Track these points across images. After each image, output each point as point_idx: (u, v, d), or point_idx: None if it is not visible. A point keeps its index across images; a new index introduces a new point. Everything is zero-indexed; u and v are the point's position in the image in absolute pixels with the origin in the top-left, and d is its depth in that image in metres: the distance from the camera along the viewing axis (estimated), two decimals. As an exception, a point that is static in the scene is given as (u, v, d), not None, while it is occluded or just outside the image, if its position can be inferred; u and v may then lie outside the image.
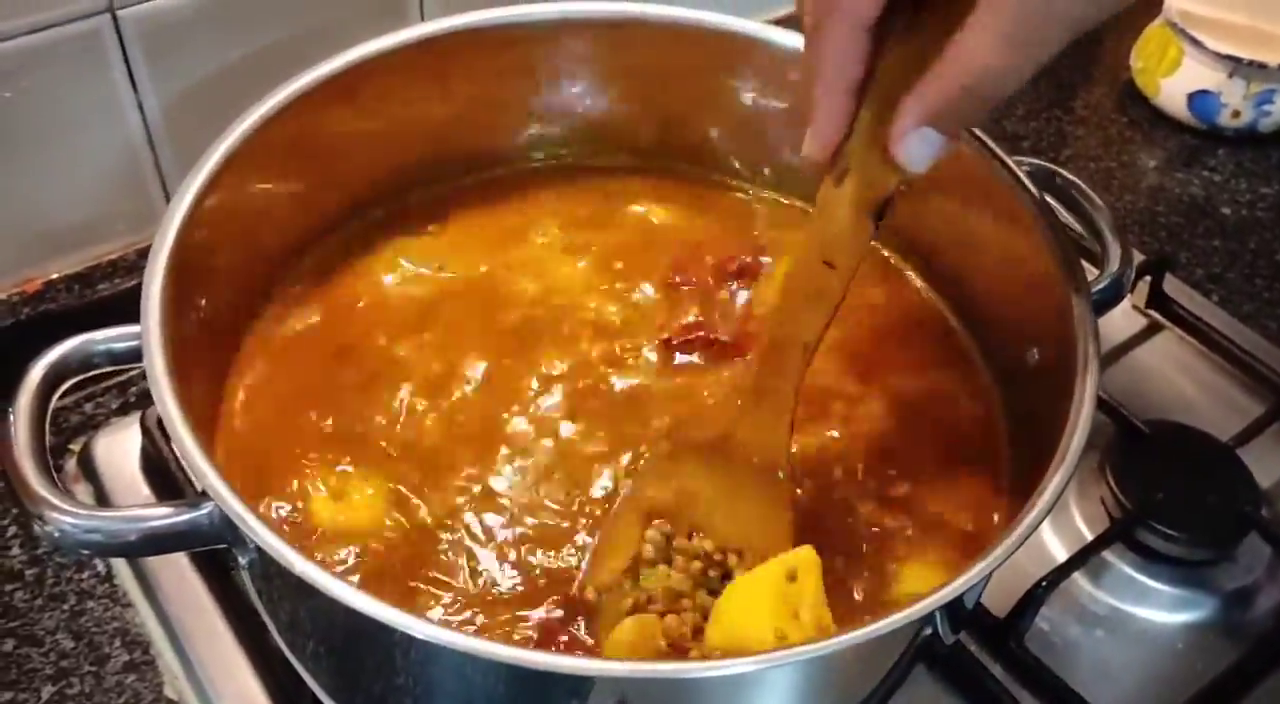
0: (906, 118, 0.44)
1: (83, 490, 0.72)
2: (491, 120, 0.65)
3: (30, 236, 0.74)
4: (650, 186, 0.69)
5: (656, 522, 0.51)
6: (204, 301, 0.51)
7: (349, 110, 0.59)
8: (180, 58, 0.71)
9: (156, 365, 0.43)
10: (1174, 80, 0.99)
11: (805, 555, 0.48)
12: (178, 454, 0.42)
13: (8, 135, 0.69)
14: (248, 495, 0.49)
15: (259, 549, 0.40)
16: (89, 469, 0.72)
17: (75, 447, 0.74)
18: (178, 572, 0.68)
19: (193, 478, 0.42)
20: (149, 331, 0.45)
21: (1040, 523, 0.43)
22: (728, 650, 0.47)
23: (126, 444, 0.72)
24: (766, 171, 0.70)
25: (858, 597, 0.52)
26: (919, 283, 0.65)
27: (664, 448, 0.54)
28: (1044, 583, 0.64)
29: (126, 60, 0.70)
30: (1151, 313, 0.83)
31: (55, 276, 0.76)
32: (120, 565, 0.69)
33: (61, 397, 0.75)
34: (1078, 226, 0.59)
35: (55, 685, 0.64)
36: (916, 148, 0.44)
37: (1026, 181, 0.53)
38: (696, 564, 0.50)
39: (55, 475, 0.45)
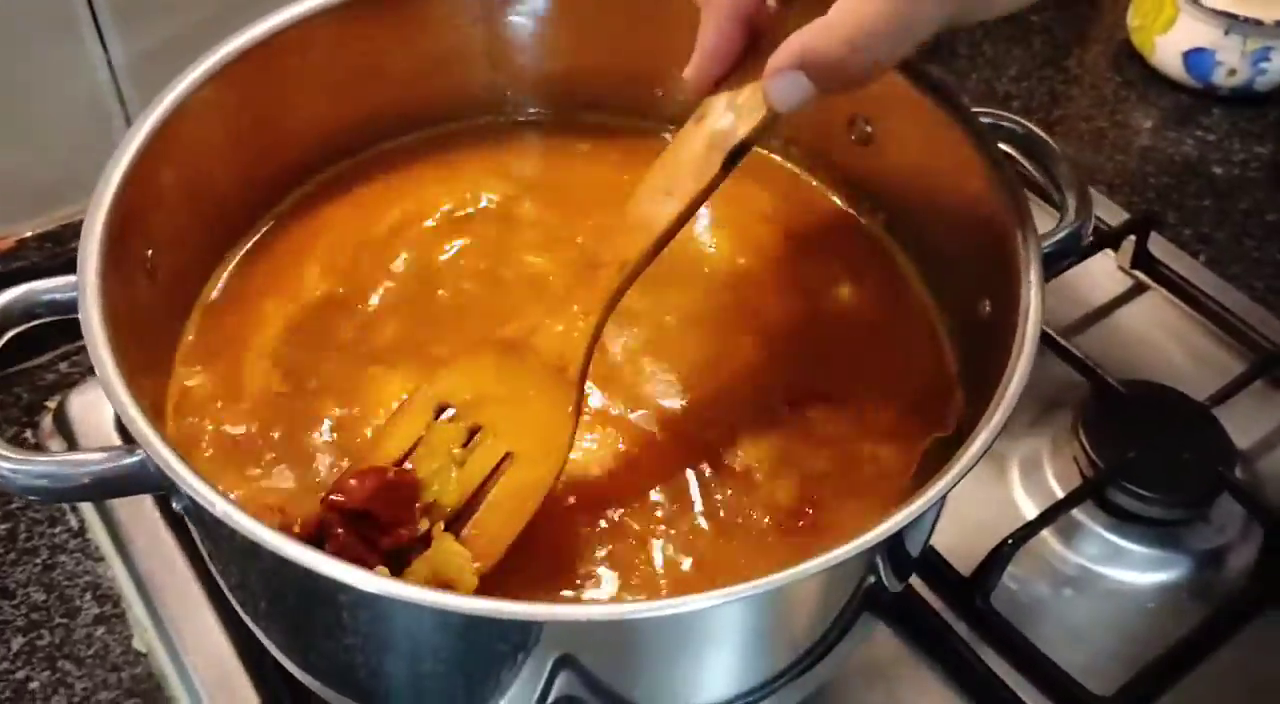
0: (784, 55, 0.44)
1: (57, 447, 0.73)
2: (454, 72, 0.64)
3: (1, 195, 0.74)
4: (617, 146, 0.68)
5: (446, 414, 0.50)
6: (151, 252, 0.51)
7: (304, 61, 0.58)
8: (149, 11, 0.71)
9: (91, 312, 0.43)
10: (1170, 38, 0.97)
11: None
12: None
13: (-27, 93, 0.70)
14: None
15: (189, 495, 0.40)
16: (63, 426, 0.73)
17: (51, 404, 0.74)
18: (150, 527, 0.68)
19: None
20: (85, 277, 0.44)
21: (970, 469, 0.43)
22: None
23: (100, 402, 0.72)
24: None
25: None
26: (883, 237, 0.64)
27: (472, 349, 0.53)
28: (1010, 541, 0.64)
29: (94, 14, 0.70)
30: (1136, 273, 0.82)
31: (28, 235, 0.76)
32: (93, 520, 0.69)
33: (38, 355, 0.77)
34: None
35: (26, 637, 0.65)
36: (786, 88, 0.45)
37: (980, 129, 0.53)
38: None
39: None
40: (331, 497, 0.47)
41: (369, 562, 0.45)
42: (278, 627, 0.51)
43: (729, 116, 0.49)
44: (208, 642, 0.64)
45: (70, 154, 0.75)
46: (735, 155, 0.49)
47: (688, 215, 0.50)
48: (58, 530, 0.69)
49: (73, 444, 0.72)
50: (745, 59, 0.49)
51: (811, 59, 0.44)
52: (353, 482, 0.47)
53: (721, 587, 0.42)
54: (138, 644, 0.65)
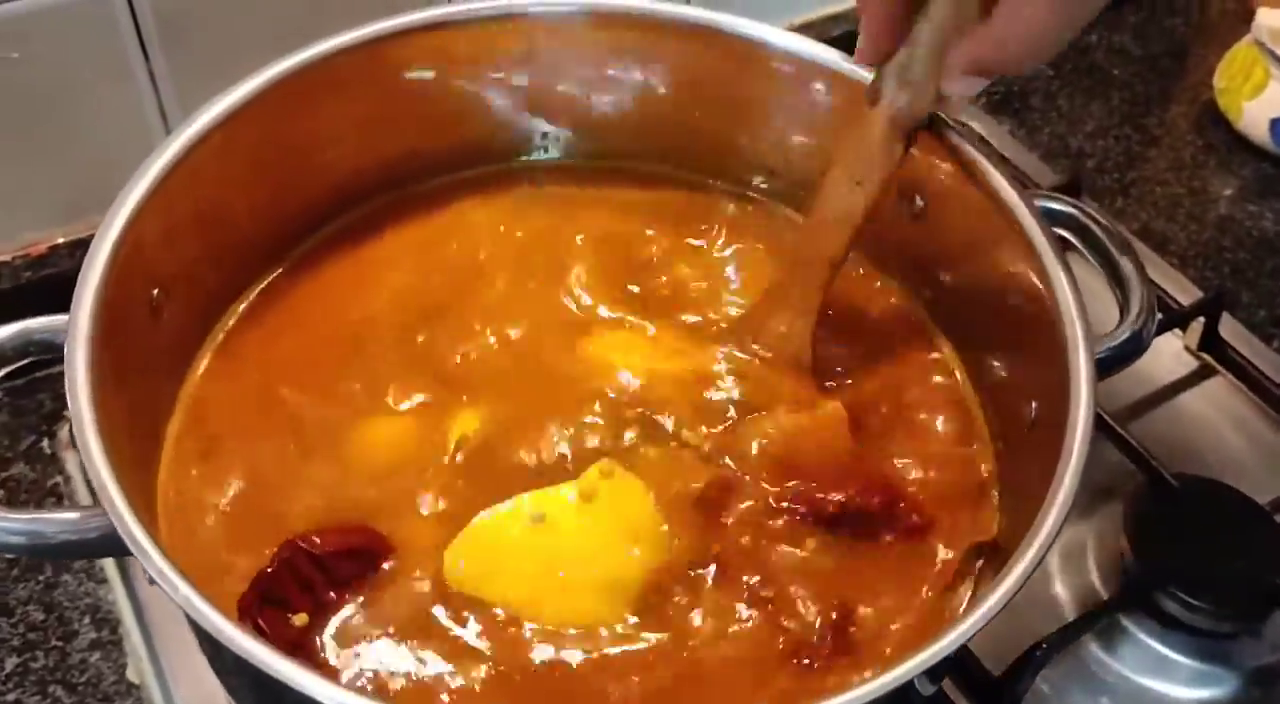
0: (961, 62, 0.49)
1: (72, 459, 0.72)
2: (489, 114, 0.62)
3: (36, 200, 0.74)
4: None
5: None
6: (156, 292, 0.49)
7: (336, 94, 0.56)
8: (193, 24, 0.70)
9: (77, 366, 0.41)
10: (1258, 104, 0.92)
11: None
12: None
13: (15, 98, 0.69)
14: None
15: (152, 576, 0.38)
16: (79, 439, 0.72)
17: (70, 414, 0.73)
18: (154, 551, 0.67)
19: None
20: (76, 325, 0.42)
21: (1012, 597, 0.39)
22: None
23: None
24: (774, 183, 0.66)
25: None
26: (927, 320, 0.61)
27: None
28: (1044, 644, 0.60)
29: (136, 22, 0.68)
30: (1204, 356, 0.78)
31: (60, 241, 0.75)
32: (99, 540, 0.68)
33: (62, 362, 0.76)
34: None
35: (20, 658, 0.64)
36: (963, 86, 0.50)
37: (1035, 216, 0.49)
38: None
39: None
40: (299, 541, 0.46)
41: (296, 605, 0.44)
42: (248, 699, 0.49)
43: (903, 96, 0.51)
44: (200, 681, 0.62)
45: (107, 163, 0.73)
46: (911, 138, 0.52)
47: (880, 202, 0.53)
48: (64, 548, 0.68)
49: (87, 459, 0.71)
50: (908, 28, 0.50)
51: (985, 68, 0.49)
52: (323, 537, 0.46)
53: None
54: (131, 674, 0.63)
